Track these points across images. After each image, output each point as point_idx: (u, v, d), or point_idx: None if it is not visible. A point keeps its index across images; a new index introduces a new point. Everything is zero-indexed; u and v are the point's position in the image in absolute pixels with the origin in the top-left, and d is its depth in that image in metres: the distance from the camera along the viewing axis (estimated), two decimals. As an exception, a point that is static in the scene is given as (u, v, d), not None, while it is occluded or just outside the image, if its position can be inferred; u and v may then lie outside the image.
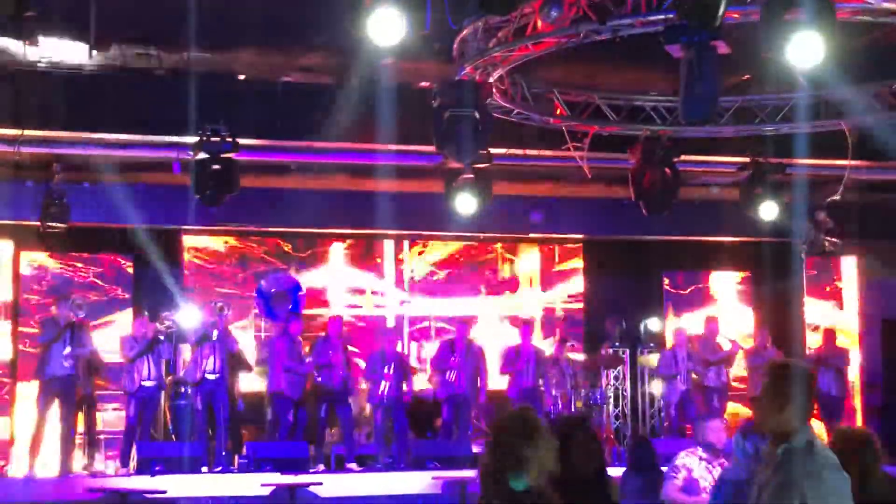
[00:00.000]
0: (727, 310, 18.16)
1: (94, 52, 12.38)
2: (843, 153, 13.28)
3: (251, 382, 15.55)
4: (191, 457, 13.39)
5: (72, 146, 13.73)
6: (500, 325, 17.68)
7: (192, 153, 13.03)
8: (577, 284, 18.10)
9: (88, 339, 13.75)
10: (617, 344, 16.88)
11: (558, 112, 12.91)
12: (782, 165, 14.16)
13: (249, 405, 15.27)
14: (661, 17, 9.36)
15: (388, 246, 17.50)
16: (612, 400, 16.53)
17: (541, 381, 15.36)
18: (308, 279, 16.94)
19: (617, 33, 9.95)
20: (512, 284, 18.00)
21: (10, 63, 12.55)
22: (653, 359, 16.56)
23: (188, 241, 16.71)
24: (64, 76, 12.87)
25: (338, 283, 17.26)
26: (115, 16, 11.49)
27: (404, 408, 14.69)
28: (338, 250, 17.30)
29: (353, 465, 14.11)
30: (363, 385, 15.26)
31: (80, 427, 13.95)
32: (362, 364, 15.44)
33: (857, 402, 17.73)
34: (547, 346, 16.38)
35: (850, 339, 18.08)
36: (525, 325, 15.91)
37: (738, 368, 16.54)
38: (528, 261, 18.09)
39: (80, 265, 16.15)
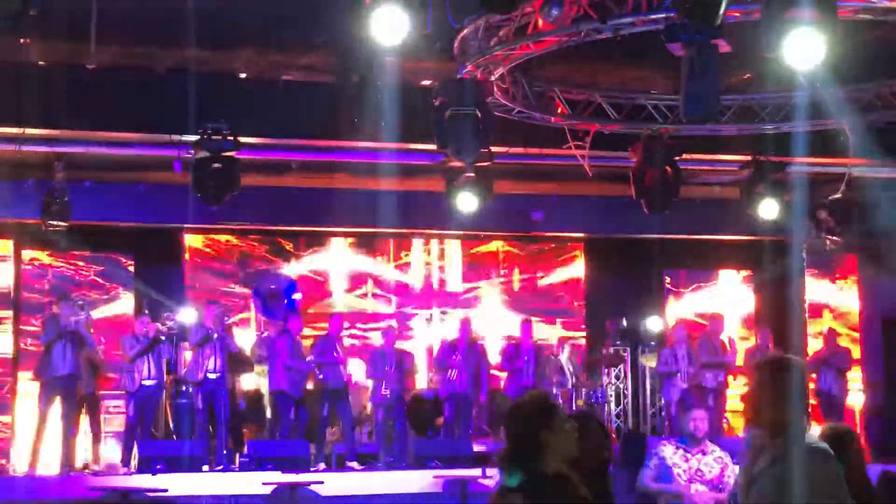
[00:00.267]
0: (728, 308, 18.15)
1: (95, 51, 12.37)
2: (844, 152, 13.29)
3: (252, 381, 15.55)
4: (192, 455, 13.40)
5: (73, 145, 13.73)
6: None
7: (192, 152, 13.03)
8: (578, 283, 18.12)
9: (89, 337, 13.74)
10: (618, 343, 16.89)
11: (559, 111, 12.90)
12: (783, 164, 14.16)
13: (250, 404, 15.28)
14: (662, 15, 9.36)
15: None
16: (612, 398, 16.53)
17: (541, 379, 15.37)
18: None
19: (618, 32, 9.95)
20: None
21: (11, 61, 12.55)
22: (653, 358, 16.56)
23: (189, 239, 16.71)
24: (65, 74, 12.87)
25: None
26: (115, 14, 11.49)
27: (405, 406, 14.70)
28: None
29: (354, 464, 14.11)
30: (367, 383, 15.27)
31: (84, 426, 13.98)
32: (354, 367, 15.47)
33: (858, 402, 17.72)
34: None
35: (850, 337, 18.11)
36: (525, 322, 15.91)
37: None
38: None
39: (81, 264, 16.16)
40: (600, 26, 9.78)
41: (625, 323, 16.99)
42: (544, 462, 4.26)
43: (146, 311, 14.73)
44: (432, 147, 12.01)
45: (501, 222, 16.20)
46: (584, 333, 17.98)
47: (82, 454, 14.03)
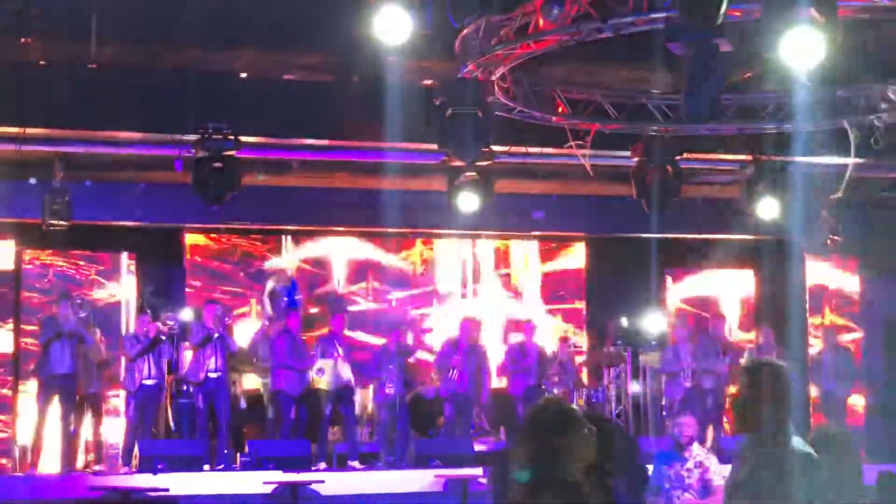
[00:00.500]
0: (728, 308, 18.15)
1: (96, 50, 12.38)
2: (845, 151, 13.28)
3: (253, 381, 15.55)
4: (193, 455, 13.42)
5: (74, 144, 13.73)
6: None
7: (193, 151, 13.03)
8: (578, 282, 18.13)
9: (89, 337, 13.73)
10: (618, 342, 16.88)
11: (560, 110, 12.89)
12: (783, 164, 14.16)
13: (251, 403, 15.28)
14: (663, 14, 9.35)
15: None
16: (613, 398, 16.52)
17: (544, 380, 15.39)
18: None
19: (619, 31, 9.95)
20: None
21: (12, 60, 12.56)
22: (653, 357, 16.55)
23: (190, 239, 16.71)
24: (66, 74, 12.88)
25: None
26: (116, 14, 11.50)
27: (407, 406, 14.71)
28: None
29: (356, 464, 14.11)
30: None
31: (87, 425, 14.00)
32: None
33: (859, 402, 17.72)
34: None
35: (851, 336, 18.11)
36: (528, 324, 15.91)
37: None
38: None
39: (82, 263, 16.16)
40: (601, 26, 9.78)
41: (625, 323, 16.97)
42: (564, 468, 4.21)
43: (147, 311, 14.72)
44: (433, 146, 12.00)
45: (502, 222, 16.20)
46: (584, 333, 17.98)
47: (84, 454, 14.03)
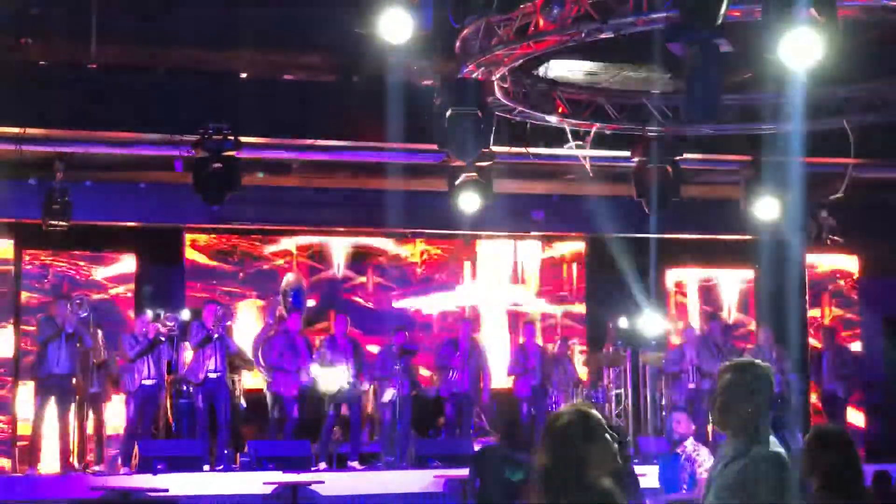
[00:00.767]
0: (728, 308, 18.15)
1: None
2: (845, 151, 13.27)
3: (253, 381, 15.55)
4: (193, 455, 13.41)
5: (74, 144, 13.73)
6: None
7: (193, 151, 13.03)
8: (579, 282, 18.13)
9: (88, 338, 13.73)
10: (618, 343, 16.88)
11: (560, 110, 12.90)
12: (783, 164, 14.15)
13: (251, 404, 15.27)
14: (663, 15, 9.35)
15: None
16: (612, 398, 16.52)
17: (548, 380, 15.38)
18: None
19: (619, 32, 9.94)
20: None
21: (11, 61, 12.56)
22: (653, 357, 16.54)
23: (190, 239, 16.71)
24: (66, 74, 12.88)
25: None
26: (116, 14, 11.50)
27: (411, 405, 14.71)
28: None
29: (356, 464, 14.11)
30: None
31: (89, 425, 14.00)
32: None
33: (858, 402, 17.72)
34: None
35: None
36: (528, 325, 15.91)
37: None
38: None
39: (82, 263, 16.16)
40: (601, 26, 9.77)
41: (625, 323, 16.97)
42: (586, 475, 4.15)
43: (146, 311, 14.72)
44: (433, 147, 12.00)
45: (502, 222, 16.19)
46: (584, 333, 17.99)
47: (83, 454, 14.02)
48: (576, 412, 4.25)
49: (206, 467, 13.45)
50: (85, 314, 13.85)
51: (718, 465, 4.61)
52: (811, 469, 5.05)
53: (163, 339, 14.01)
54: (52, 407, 13.51)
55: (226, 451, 13.84)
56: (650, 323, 17.15)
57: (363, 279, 17.40)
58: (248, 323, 16.47)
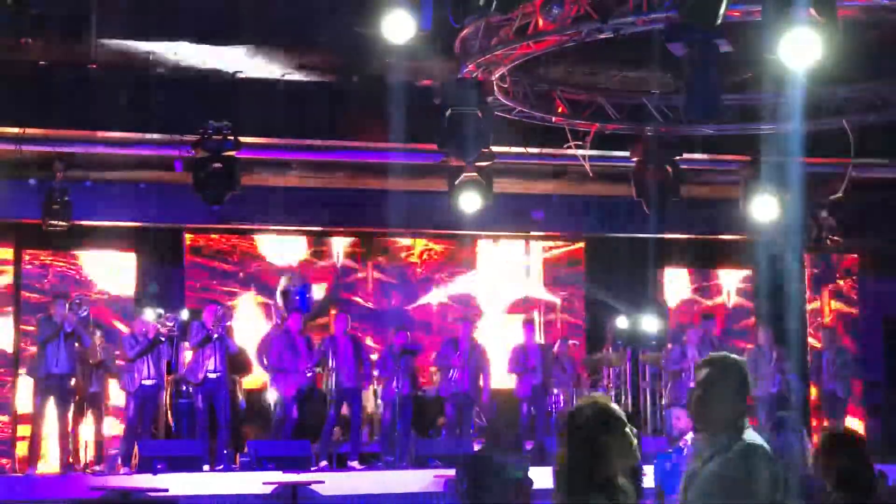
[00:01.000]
0: (728, 307, 18.16)
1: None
2: (845, 151, 13.28)
3: (253, 381, 15.55)
4: (192, 455, 13.41)
5: (74, 144, 13.74)
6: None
7: (193, 151, 13.03)
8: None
9: (87, 337, 13.72)
10: (618, 342, 16.88)
11: (560, 110, 12.90)
12: (784, 163, 14.15)
13: (251, 404, 15.28)
14: (663, 15, 9.36)
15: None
16: (613, 398, 16.50)
17: (549, 379, 15.38)
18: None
19: (618, 32, 9.94)
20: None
21: (11, 61, 12.56)
22: (652, 356, 16.54)
23: (190, 239, 16.71)
24: (66, 74, 12.88)
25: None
26: (116, 14, 11.50)
27: (411, 405, 14.71)
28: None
29: (356, 464, 14.11)
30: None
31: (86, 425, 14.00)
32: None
33: (858, 402, 17.72)
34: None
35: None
36: (528, 324, 15.90)
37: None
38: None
39: (81, 263, 16.16)
40: (601, 26, 9.77)
41: (624, 323, 16.95)
42: (606, 468, 4.12)
43: (146, 311, 14.71)
44: (433, 146, 12.00)
45: (502, 222, 16.19)
46: (584, 333, 17.99)
47: (84, 453, 14.03)
48: (596, 405, 4.21)
49: (206, 467, 13.45)
50: (84, 314, 13.85)
51: (697, 463, 4.61)
52: (825, 470, 5.06)
53: (162, 339, 14.01)
54: (51, 407, 13.51)
55: (226, 451, 13.83)
56: (650, 322, 17.15)
57: (363, 277, 17.40)
58: (247, 323, 16.48)
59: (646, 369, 17.03)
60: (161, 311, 14.85)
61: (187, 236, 16.67)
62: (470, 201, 13.77)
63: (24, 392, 15.07)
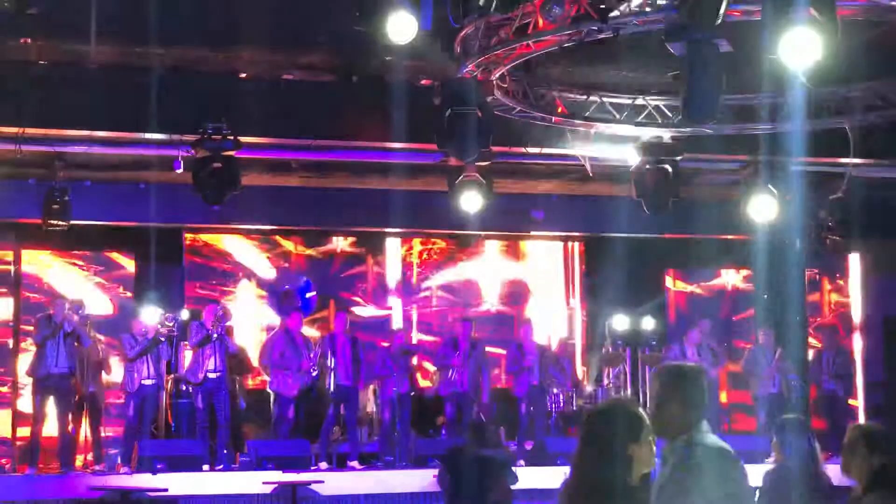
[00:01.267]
0: (727, 307, 18.17)
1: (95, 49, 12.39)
2: (845, 151, 13.28)
3: (253, 380, 15.55)
4: (192, 455, 13.41)
5: (73, 144, 13.73)
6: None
7: (193, 151, 13.03)
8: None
9: (86, 337, 13.72)
10: (618, 342, 16.88)
11: (560, 110, 12.89)
12: (783, 164, 14.16)
13: (251, 403, 15.28)
14: (663, 15, 9.35)
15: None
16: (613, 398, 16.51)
17: (546, 379, 15.37)
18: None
19: (618, 32, 9.94)
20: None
21: (11, 61, 12.56)
22: (652, 356, 16.54)
23: (190, 239, 16.71)
24: (66, 74, 12.87)
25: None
26: (116, 13, 11.49)
27: (410, 405, 14.71)
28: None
29: (355, 463, 14.11)
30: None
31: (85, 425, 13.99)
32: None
33: (858, 402, 17.73)
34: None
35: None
36: (526, 324, 15.90)
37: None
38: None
39: (81, 263, 16.16)
40: (601, 26, 9.77)
41: (624, 323, 16.96)
42: (629, 473, 4.04)
43: (146, 311, 14.71)
44: (433, 146, 12.00)
45: (502, 221, 16.20)
46: (583, 333, 18.00)
47: (83, 453, 14.02)
48: (627, 413, 4.12)
49: (206, 467, 13.45)
50: (83, 314, 13.84)
51: (664, 470, 4.61)
52: (856, 470, 5.00)
53: (162, 338, 14.00)
54: (51, 406, 13.51)
55: (225, 451, 13.83)
56: (649, 322, 17.17)
57: (363, 276, 17.41)
58: (247, 322, 16.50)
59: (645, 369, 17.02)
60: (161, 311, 14.84)
61: (187, 236, 16.67)
62: (470, 201, 13.77)
63: (24, 391, 15.07)
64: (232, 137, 12.89)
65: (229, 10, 11.64)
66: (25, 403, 14.82)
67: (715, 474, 4.41)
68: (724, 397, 16.85)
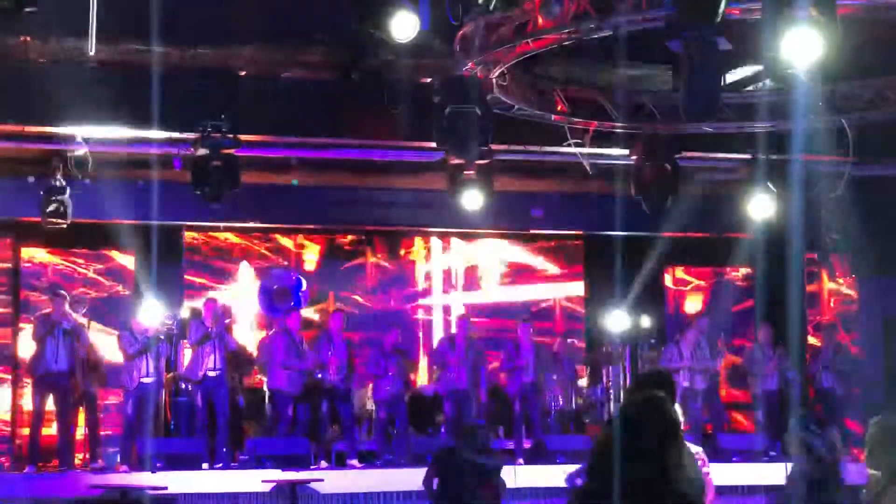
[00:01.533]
0: (726, 303, 18.16)
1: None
2: (844, 150, 13.26)
3: (252, 379, 15.55)
4: (191, 453, 13.41)
5: (73, 142, 13.72)
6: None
7: (192, 149, 13.02)
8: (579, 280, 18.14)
9: (85, 335, 13.72)
10: (617, 341, 16.87)
11: (559, 108, 12.88)
12: (783, 162, 14.15)
13: (250, 402, 15.27)
14: (662, 13, 9.35)
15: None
16: (612, 397, 16.51)
17: (542, 377, 15.36)
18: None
19: (618, 30, 9.94)
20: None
21: (10, 58, 12.56)
22: (651, 355, 16.53)
23: (189, 237, 16.70)
24: (65, 72, 12.87)
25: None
26: (115, 11, 11.49)
27: (406, 404, 14.71)
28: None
29: (354, 462, 14.11)
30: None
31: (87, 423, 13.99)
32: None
33: (858, 401, 17.70)
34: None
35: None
36: (524, 324, 15.89)
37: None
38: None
39: (80, 261, 16.15)
40: (600, 24, 9.77)
41: (623, 321, 16.94)
42: (664, 474, 3.78)
43: (145, 309, 14.70)
44: (432, 145, 12.00)
45: (502, 220, 16.19)
46: (583, 331, 17.99)
47: (82, 452, 14.02)
48: (665, 419, 3.87)
49: (205, 465, 13.45)
50: (83, 312, 13.84)
51: None
52: (882, 464, 4.97)
53: (161, 336, 13.99)
54: (50, 404, 13.51)
55: (225, 450, 13.83)
56: (648, 321, 17.15)
57: (362, 275, 17.40)
58: (246, 321, 16.49)
59: (645, 368, 17.00)
60: (160, 309, 14.83)
61: (186, 234, 16.67)
62: (470, 199, 13.77)
63: (24, 390, 15.06)
64: (231, 135, 12.89)
65: (229, 8, 11.65)
66: (25, 401, 14.81)
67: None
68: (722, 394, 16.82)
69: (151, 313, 14.35)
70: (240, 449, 14.17)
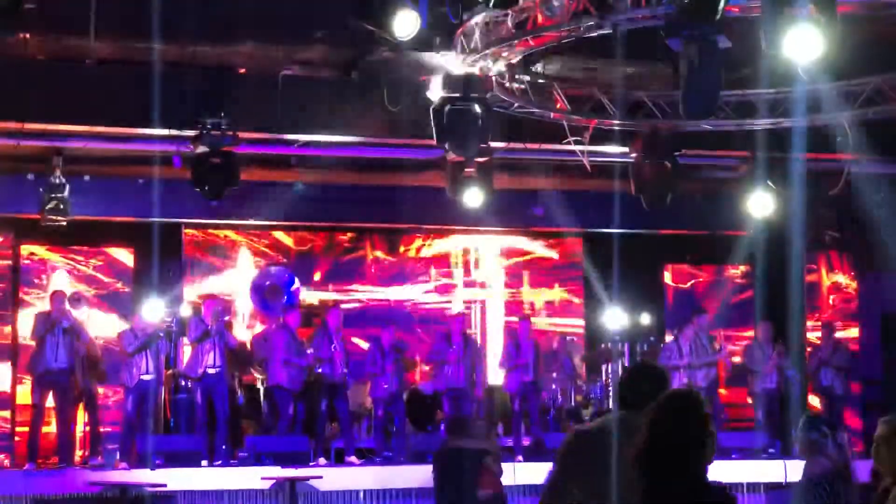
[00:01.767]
0: (725, 304, 18.16)
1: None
2: (843, 148, 13.26)
3: (251, 376, 15.54)
4: (191, 450, 13.41)
5: (72, 139, 13.72)
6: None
7: (192, 147, 13.02)
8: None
9: (85, 333, 13.71)
10: (616, 338, 16.87)
11: (559, 106, 12.89)
12: (782, 159, 14.15)
13: (249, 399, 15.27)
14: (662, 11, 9.35)
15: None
16: (611, 394, 16.51)
17: (541, 375, 15.37)
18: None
19: (617, 27, 9.94)
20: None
21: (10, 56, 12.55)
22: (650, 353, 16.53)
23: (189, 234, 16.71)
24: (64, 69, 12.87)
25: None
26: (114, 8, 11.49)
27: (404, 401, 14.72)
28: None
29: (353, 459, 14.12)
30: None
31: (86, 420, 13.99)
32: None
33: (857, 398, 17.72)
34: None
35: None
36: (523, 321, 15.90)
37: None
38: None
39: (80, 258, 16.15)
40: (600, 21, 9.77)
41: (622, 318, 16.95)
42: (700, 469, 3.93)
43: (145, 306, 14.70)
44: (432, 142, 12.00)
45: (501, 217, 16.19)
46: (582, 329, 17.99)
47: (81, 449, 14.03)
48: (699, 415, 4.04)
49: (205, 462, 13.45)
50: (82, 310, 13.84)
51: None
52: (888, 461, 4.97)
53: (161, 334, 13.99)
54: (50, 402, 13.51)
55: (224, 447, 13.83)
56: (647, 318, 17.17)
57: (361, 273, 17.41)
58: (246, 319, 16.50)
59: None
60: (160, 306, 14.82)
61: (186, 231, 16.67)
62: (470, 197, 13.77)
63: (23, 387, 15.06)
64: (231, 133, 12.88)
65: (229, 5, 11.64)
66: (24, 399, 14.81)
67: None
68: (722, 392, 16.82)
69: (151, 311, 14.34)
70: (239, 446, 14.17)
